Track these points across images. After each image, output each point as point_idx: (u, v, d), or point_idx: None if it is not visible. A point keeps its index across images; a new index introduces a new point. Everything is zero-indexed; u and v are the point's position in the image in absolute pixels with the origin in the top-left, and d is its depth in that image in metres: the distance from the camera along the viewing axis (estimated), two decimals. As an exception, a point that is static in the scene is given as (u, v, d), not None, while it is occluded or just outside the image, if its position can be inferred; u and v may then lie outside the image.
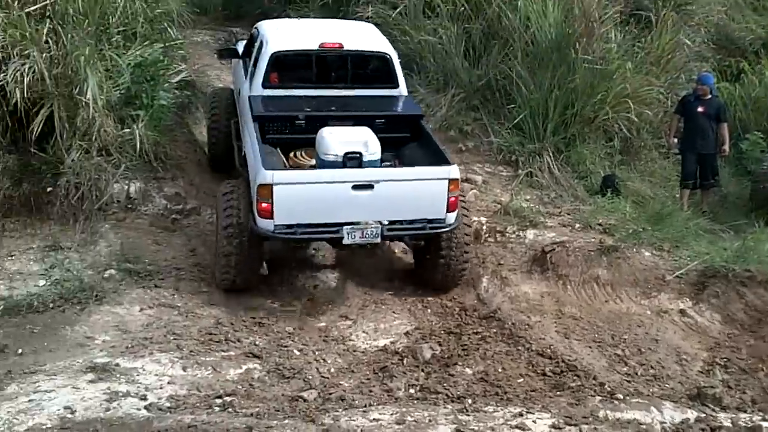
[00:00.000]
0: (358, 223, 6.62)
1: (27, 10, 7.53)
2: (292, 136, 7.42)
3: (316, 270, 7.56)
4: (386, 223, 6.70)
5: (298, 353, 6.28)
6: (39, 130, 7.41)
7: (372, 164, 6.78)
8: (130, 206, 7.93)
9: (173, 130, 9.06)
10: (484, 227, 8.20)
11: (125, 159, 7.88)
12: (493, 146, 9.98)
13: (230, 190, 6.97)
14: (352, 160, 6.69)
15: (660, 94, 10.88)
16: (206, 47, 13.07)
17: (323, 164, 6.80)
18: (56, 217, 7.57)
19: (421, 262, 7.53)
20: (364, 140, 6.86)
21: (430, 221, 6.81)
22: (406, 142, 7.61)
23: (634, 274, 7.56)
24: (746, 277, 7.34)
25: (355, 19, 11.08)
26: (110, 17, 8.46)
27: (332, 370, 6.09)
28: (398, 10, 11.11)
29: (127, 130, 7.97)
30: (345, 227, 6.59)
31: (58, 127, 7.50)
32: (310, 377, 5.90)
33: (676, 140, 10.18)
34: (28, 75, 7.23)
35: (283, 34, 8.03)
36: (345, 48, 7.80)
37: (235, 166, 8.01)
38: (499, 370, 6.21)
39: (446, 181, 6.73)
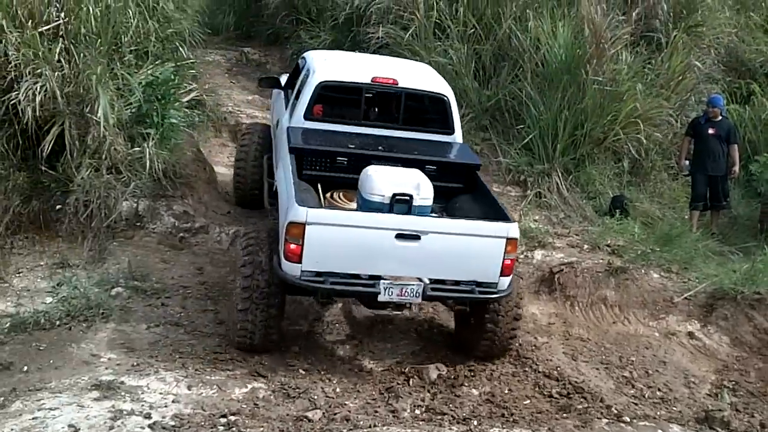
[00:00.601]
0: (397, 278, 5.85)
1: (40, 29, 7.61)
2: (331, 174, 6.75)
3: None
4: (428, 281, 5.90)
5: (303, 372, 6.25)
6: (50, 148, 7.45)
7: (422, 211, 6.03)
8: (138, 224, 7.96)
9: (183, 149, 9.09)
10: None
11: (135, 177, 7.92)
12: (502, 166, 9.99)
13: (251, 232, 6.36)
14: (401, 203, 5.96)
15: (670, 115, 10.90)
16: (218, 66, 13.21)
17: (366, 205, 6.05)
18: (65, 234, 7.61)
19: (464, 326, 6.76)
20: (416, 183, 6.12)
21: (480, 284, 5.95)
22: (457, 193, 6.88)
23: (643, 295, 7.53)
24: (755, 300, 7.31)
25: (366, 39, 11.19)
26: (123, 36, 8.56)
27: (338, 389, 6.06)
28: (410, 31, 11.18)
29: (138, 148, 8.02)
30: (382, 281, 5.79)
31: (68, 145, 7.56)
32: (315, 397, 5.87)
33: (687, 162, 10.14)
34: (40, 93, 7.30)
35: (332, 64, 7.50)
36: (399, 85, 7.12)
37: (263, 206, 7.64)
38: (506, 392, 6.18)
39: (503, 240, 5.89)
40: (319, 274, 5.74)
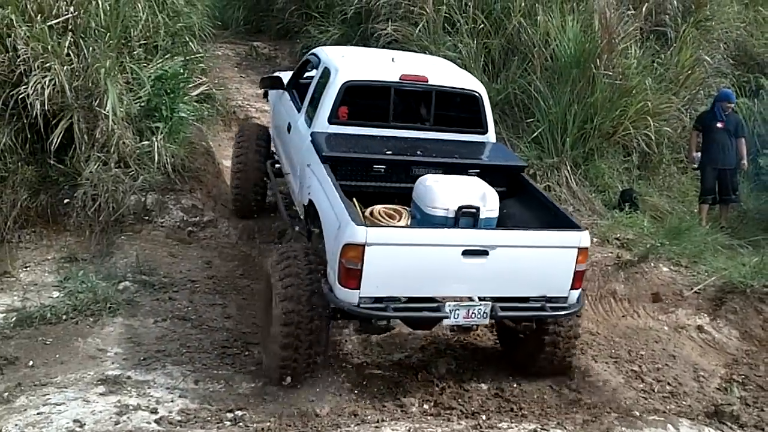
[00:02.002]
0: (464, 300, 5.40)
1: (50, 23, 7.65)
2: (367, 184, 6.11)
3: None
4: (495, 300, 5.40)
5: (311, 367, 6.24)
6: (58, 141, 7.51)
7: (488, 224, 5.59)
8: (146, 218, 7.97)
9: (192, 143, 9.11)
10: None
11: (143, 171, 7.95)
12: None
13: (288, 252, 5.67)
14: (467, 216, 5.48)
15: (679, 110, 10.85)
16: (227, 61, 13.20)
17: (426, 220, 5.57)
18: (72, 228, 7.63)
19: (514, 342, 6.30)
20: (481, 193, 5.66)
21: (550, 299, 5.50)
22: (502, 198, 6.08)
23: (652, 289, 7.47)
24: (765, 293, 7.26)
25: (375, 35, 11.16)
26: (132, 30, 8.59)
27: (345, 384, 6.04)
28: (419, 26, 11.15)
29: (146, 142, 8.06)
30: (448, 304, 5.32)
31: (77, 139, 7.60)
32: (323, 392, 5.85)
33: (698, 155, 10.06)
34: (48, 87, 7.34)
35: (356, 62, 6.92)
36: (430, 82, 6.58)
37: (261, 213, 7.36)
38: (514, 386, 6.14)
39: (575, 250, 5.42)
40: (378, 299, 5.17)
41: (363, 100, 6.60)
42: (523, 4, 10.96)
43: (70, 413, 5.20)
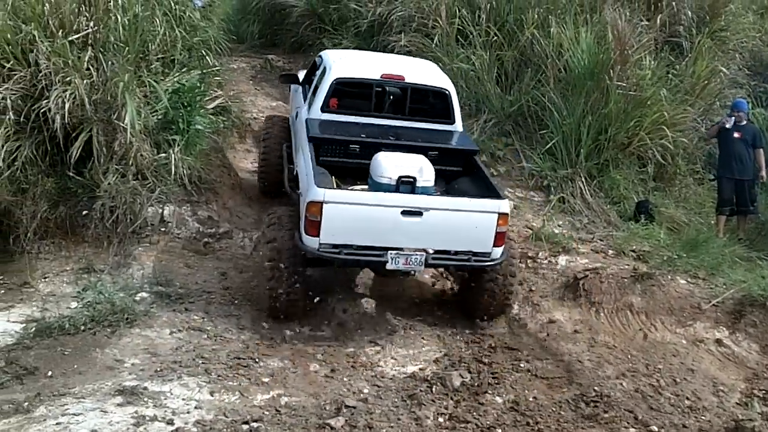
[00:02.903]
0: (403, 250, 6.58)
1: (70, 38, 7.76)
2: (345, 160, 7.41)
3: (346, 294, 7.55)
4: (431, 251, 6.64)
5: (325, 379, 6.26)
6: (77, 154, 7.59)
7: (425, 191, 6.78)
8: (163, 229, 8.03)
9: (208, 155, 9.18)
10: (516, 252, 8.11)
11: (160, 183, 8.02)
12: (525, 171, 9.93)
13: (274, 215, 7.09)
14: (406, 184, 6.71)
15: (695, 120, 10.81)
16: (242, 74, 13.28)
17: (375, 187, 6.79)
18: (91, 239, 7.70)
19: (465, 291, 7.50)
20: (419, 167, 6.85)
21: (476, 254, 6.71)
22: (457, 176, 7.59)
23: (669, 302, 7.43)
24: (785, 307, 7.17)
25: (389, 47, 11.22)
26: (150, 45, 8.69)
27: (360, 396, 6.05)
28: (434, 40, 11.20)
29: (163, 154, 8.14)
30: (390, 252, 6.57)
31: (96, 152, 7.67)
32: (338, 404, 5.86)
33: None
34: (69, 101, 7.44)
35: (346, 62, 8.12)
36: (406, 80, 7.82)
37: (284, 190, 8.02)
38: (530, 399, 6.13)
39: (495, 215, 6.65)
40: (335, 246, 6.48)
41: (350, 93, 7.91)
42: (536, 16, 10.99)
43: (88, 424, 5.25)
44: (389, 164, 6.80)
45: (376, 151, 7.06)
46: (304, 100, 8.23)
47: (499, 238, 6.71)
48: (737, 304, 7.39)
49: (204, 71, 9.58)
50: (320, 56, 8.70)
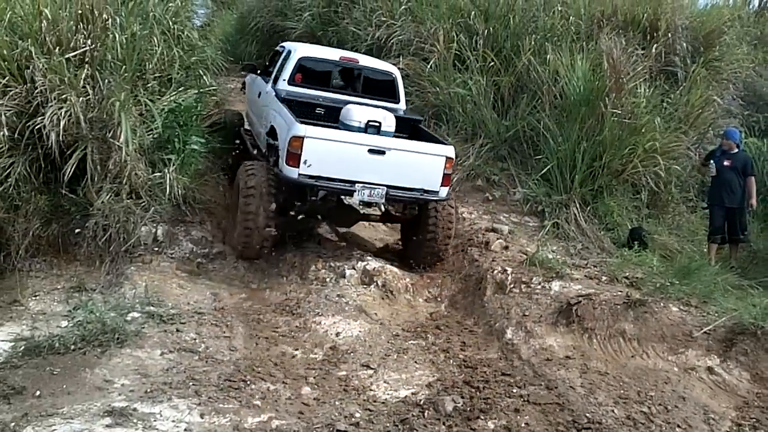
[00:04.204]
0: (368, 183, 7.72)
1: (67, 56, 7.77)
2: (313, 121, 8.24)
3: (340, 316, 7.53)
4: (391, 186, 7.82)
5: (317, 403, 6.21)
6: (71, 171, 7.57)
7: (387, 135, 8.10)
8: (156, 249, 8.00)
9: (203, 175, 9.18)
10: (510, 277, 8.13)
11: (154, 202, 8.00)
12: (519, 196, 9.96)
13: (252, 166, 8.11)
14: (372, 127, 8.03)
15: (688, 149, 10.89)
16: (239, 94, 13.31)
17: (346, 129, 7.95)
18: (83, 258, 7.66)
19: (408, 239, 8.82)
20: (383, 115, 8.23)
21: (426, 192, 7.99)
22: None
23: (661, 329, 7.40)
24: (777, 336, 7.16)
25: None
26: (147, 63, 8.70)
27: (352, 420, 6.00)
28: (430, 63, 11.27)
29: (158, 173, 8.12)
30: (357, 185, 7.70)
31: (90, 170, 7.66)
32: (329, 428, 5.81)
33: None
34: (64, 118, 7.44)
35: (308, 46, 9.69)
36: (359, 63, 9.29)
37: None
38: (522, 425, 6.08)
39: (444, 158, 7.97)
40: (311, 177, 7.59)
41: (313, 70, 9.12)
42: (532, 42, 11.11)
43: (76, 445, 5.18)
44: (358, 111, 8.16)
45: (337, 115, 8.27)
46: (267, 82, 9.34)
47: (446, 179, 8.01)
48: (729, 332, 7.38)
49: (201, 90, 9.60)
50: (282, 46, 9.95)
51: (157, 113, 8.16)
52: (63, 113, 7.44)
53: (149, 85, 8.64)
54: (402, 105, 9.31)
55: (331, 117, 8.42)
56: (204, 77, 10.01)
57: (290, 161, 7.51)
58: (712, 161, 10.03)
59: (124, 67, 8.16)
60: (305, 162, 7.50)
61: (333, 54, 9.43)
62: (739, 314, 7.48)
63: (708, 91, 11.46)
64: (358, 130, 7.96)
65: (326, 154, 7.57)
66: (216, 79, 10.75)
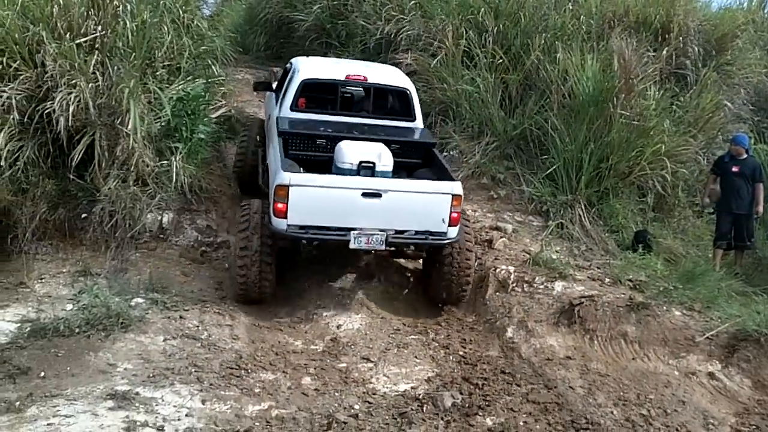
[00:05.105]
0: (364, 230, 7.07)
1: (78, 41, 7.79)
2: (313, 154, 7.86)
3: (341, 309, 7.55)
4: (392, 232, 7.12)
5: (317, 394, 6.24)
6: (79, 157, 7.61)
7: (384, 175, 7.33)
8: (161, 236, 8.04)
9: (210, 164, 9.23)
10: (512, 276, 8.14)
11: (161, 190, 8.03)
12: (524, 196, 9.96)
13: (247, 203, 7.49)
14: (366, 169, 7.27)
15: (697, 153, 10.85)
16: (247, 85, 13.30)
17: (338, 172, 7.32)
18: (88, 243, 7.70)
19: (428, 278, 7.95)
20: (378, 152, 7.43)
21: (432, 233, 7.23)
22: (418, 168, 8.11)
23: (663, 332, 7.41)
24: (779, 343, 7.15)
25: (395, 65, 11.28)
26: (156, 52, 8.72)
27: (351, 412, 6.03)
28: (438, 58, 11.26)
29: (165, 161, 8.16)
30: (352, 232, 7.03)
31: (97, 156, 7.70)
32: (329, 419, 5.84)
33: (708, 200, 10.09)
34: (73, 104, 7.46)
35: (314, 66, 8.76)
36: (369, 80, 8.41)
37: (260, 188, 8.31)
38: (521, 423, 6.10)
39: (449, 196, 7.17)
40: (301, 227, 6.97)
41: (317, 93, 8.46)
42: (542, 41, 11.06)
43: (79, 426, 5.24)
44: (350, 151, 7.37)
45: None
46: (276, 103, 8.68)
47: (454, 219, 7.22)
48: (731, 338, 7.37)
49: (209, 80, 9.62)
50: (291, 63, 9.24)
51: (166, 101, 8.18)
52: (72, 99, 7.47)
53: (158, 73, 8.66)
54: (419, 123, 8.52)
55: (335, 147, 7.63)
56: (213, 67, 10.03)
57: (278, 212, 6.91)
58: (708, 199, 10.06)
59: (133, 54, 8.18)
60: (293, 211, 6.89)
61: (339, 72, 8.48)
62: (743, 321, 7.46)
63: (718, 95, 11.39)
64: (350, 172, 7.25)
65: (315, 201, 6.95)
66: (224, 69, 10.76)
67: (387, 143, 7.75)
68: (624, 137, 9.88)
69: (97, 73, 7.78)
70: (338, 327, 7.28)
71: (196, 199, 8.50)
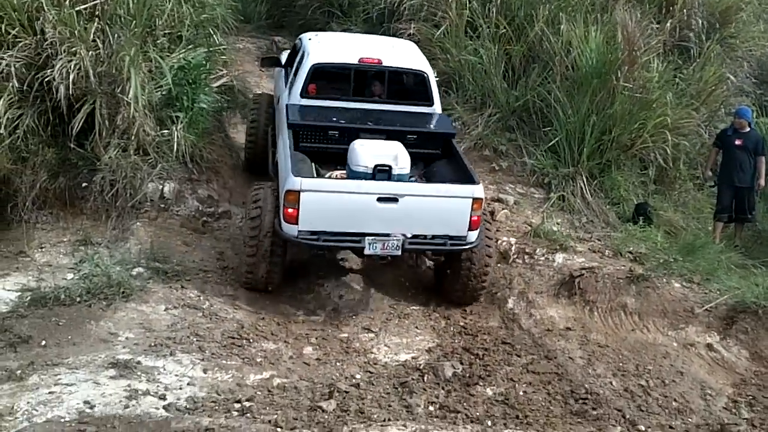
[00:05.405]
0: (380, 235, 6.67)
1: (78, 8, 7.70)
2: (325, 146, 7.49)
3: (342, 279, 7.57)
4: (408, 236, 6.73)
5: (318, 363, 6.28)
6: (79, 126, 7.55)
7: (400, 178, 6.89)
8: (162, 206, 8.00)
9: (211, 134, 9.16)
10: (513, 248, 8.15)
11: (162, 159, 7.99)
12: (526, 167, 9.93)
13: (258, 193, 7.03)
14: (382, 173, 6.80)
15: (699, 126, 10.81)
16: (248, 54, 13.24)
17: (353, 175, 6.90)
18: (89, 212, 7.68)
19: (443, 276, 7.56)
20: (395, 154, 6.97)
21: (452, 238, 6.83)
22: (436, 159, 7.71)
23: (663, 304, 7.45)
24: (777, 315, 7.20)
25: (397, 35, 11.19)
26: (157, 20, 8.61)
27: (352, 381, 6.08)
28: (441, 29, 11.15)
29: (166, 131, 8.10)
30: (367, 238, 6.65)
31: (98, 124, 7.64)
32: (330, 388, 5.89)
33: (711, 173, 10.08)
34: (73, 72, 7.39)
35: (324, 47, 8.17)
36: (383, 64, 7.92)
37: (269, 171, 8.05)
38: (521, 393, 6.16)
39: (470, 200, 6.75)
40: (313, 233, 6.58)
41: (329, 78, 8.02)
42: (546, 12, 10.94)
43: (81, 394, 5.27)
44: (365, 153, 6.90)
45: (356, 135, 7.19)
46: (285, 85, 8.25)
47: (474, 223, 6.82)
48: (730, 310, 7.41)
49: (210, 49, 9.52)
50: (300, 39, 8.73)
51: (167, 70, 8.11)
52: (72, 66, 7.39)
53: (159, 41, 8.56)
54: (437, 108, 8.05)
55: (348, 138, 7.22)
56: (214, 36, 9.93)
57: (288, 218, 6.52)
58: (710, 172, 10.07)
59: (134, 22, 8.08)
60: (304, 218, 6.50)
61: (352, 55, 7.90)
62: (742, 293, 7.51)
63: (721, 68, 11.32)
64: (365, 176, 6.80)
65: (328, 207, 6.55)
66: (226, 38, 10.66)
67: (404, 134, 7.43)
68: (626, 110, 9.82)
69: (98, 40, 7.69)
70: (340, 297, 7.30)
71: (197, 168, 8.45)
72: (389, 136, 7.38)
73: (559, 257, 8.05)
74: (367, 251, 6.70)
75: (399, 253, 6.80)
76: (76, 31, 7.55)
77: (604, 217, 9.37)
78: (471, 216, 6.77)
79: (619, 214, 9.57)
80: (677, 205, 10.24)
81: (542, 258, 8.06)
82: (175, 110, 8.27)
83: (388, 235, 6.68)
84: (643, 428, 5.86)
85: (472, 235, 6.87)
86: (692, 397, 6.47)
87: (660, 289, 7.55)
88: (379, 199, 6.63)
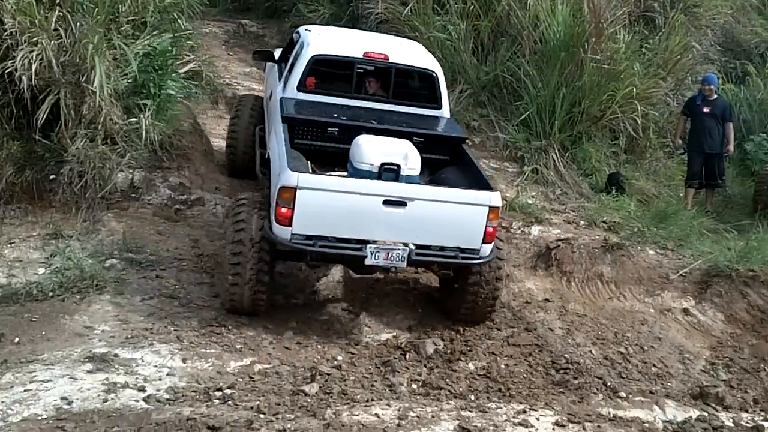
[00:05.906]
0: (384, 243, 6.02)
1: (37, -4, 7.51)
2: (322, 144, 6.88)
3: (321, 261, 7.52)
4: (414, 246, 6.06)
5: (299, 346, 6.25)
6: (44, 117, 7.36)
7: (409, 180, 6.23)
8: (133, 195, 7.88)
9: (180, 120, 8.99)
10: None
11: (130, 148, 7.82)
12: (499, 142, 9.96)
13: (242, 200, 6.40)
14: (389, 172, 6.15)
15: (666, 95, 10.91)
16: (215, 38, 13.08)
17: (356, 174, 6.21)
18: (58, 205, 7.52)
19: (448, 290, 6.93)
20: (404, 153, 6.31)
21: (463, 250, 6.15)
22: (444, 165, 7.08)
23: (638, 272, 7.56)
24: (749, 277, 7.38)
25: (365, 14, 11.10)
26: (120, 6, 8.38)
27: (334, 363, 6.06)
28: (409, 6, 11.08)
29: (134, 119, 7.92)
30: (369, 246, 5.97)
31: (63, 115, 7.45)
32: (312, 371, 5.86)
33: (681, 141, 10.20)
34: (35, 62, 7.18)
35: (326, 39, 7.61)
36: (390, 60, 7.24)
37: (255, 175, 7.60)
38: (502, 367, 6.21)
39: (486, 208, 6.08)
40: (308, 237, 5.91)
41: (330, 71, 7.38)
42: (513, -14, 10.92)
43: (58, 390, 5.17)
44: (371, 149, 6.23)
45: (357, 135, 6.49)
46: (279, 79, 7.65)
47: (489, 235, 6.14)
48: (704, 274, 7.55)
49: (176, 35, 9.33)
50: (297, 32, 8.09)
51: (132, 57, 7.95)
52: (34, 57, 7.19)
53: (123, 28, 8.35)
54: (445, 111, 7.41)
55: (349, 137, 6.57)
56: (179, 21, 9.74)
57: (281, 218, 5.83)
58: (680, 140, 10.22)
59: (96, 9, 7.87)
60: (300, 219, 5.83)
61: (355, 48, 7.23)
62: (714, 257, 7.64)
63: (686, 37, 11.46)
64: (370, 175, 6.12)
65: (327, 208, 5.87)
66: (191, 23, 10.47)
67: (410, 136, 6.71)
68: (595, 81, 9.90)
69: (60, 29, 7.48)
70: (318, 280, 7.26)
71: (167, 156, 8.30)
72: (394, 137, 6.66)
73: (535, 230, 8.11)
74: (368, 261, 5.98)
75: (404, 264, 6.10)
76: (36, 21, 7.34)
77: (578, 188, 9.45)
78: (486, 227, 6.11)
79: (592, 184, 9.66)
80: (649, 174, 10.37)
81: (518, 231, 8.11)
82: (143, 98, 8.10)
83: (393, 243, 6.02)
84: (624, 395, 5.94)
85: (486, 249, 6.19)
86: (671, 362, 6.57)
87: (635, 257, 7.64)
88: (386, 202, 5.96)
